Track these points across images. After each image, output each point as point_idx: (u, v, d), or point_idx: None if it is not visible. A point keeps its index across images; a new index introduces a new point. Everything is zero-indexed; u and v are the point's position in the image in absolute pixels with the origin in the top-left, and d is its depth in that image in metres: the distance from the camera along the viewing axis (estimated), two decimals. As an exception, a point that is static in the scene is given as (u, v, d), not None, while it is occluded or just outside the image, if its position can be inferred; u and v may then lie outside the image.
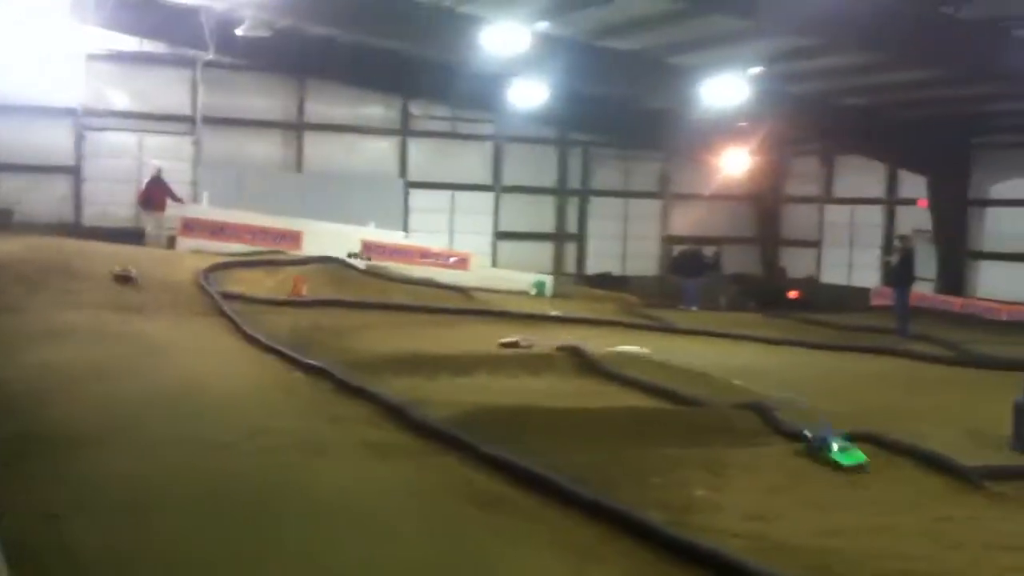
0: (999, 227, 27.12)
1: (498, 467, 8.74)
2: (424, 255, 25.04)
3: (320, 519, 7.44)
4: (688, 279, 28.03)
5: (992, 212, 27.29)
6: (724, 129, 28.38)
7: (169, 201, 24.25)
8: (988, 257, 27.36)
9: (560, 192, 31.65)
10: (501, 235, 30.71)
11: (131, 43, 26.66)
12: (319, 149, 28.69)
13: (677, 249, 30.36)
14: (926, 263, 26.28)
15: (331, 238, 23.71)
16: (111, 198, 26.35)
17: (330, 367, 12.39)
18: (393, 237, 25.75)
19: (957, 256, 27.51)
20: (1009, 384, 13.00)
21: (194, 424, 9.84)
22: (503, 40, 20.54)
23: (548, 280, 26.62)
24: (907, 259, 22.71)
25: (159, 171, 24.42)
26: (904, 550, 7.47)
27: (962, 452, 10.53)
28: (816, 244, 32.29)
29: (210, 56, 25.75)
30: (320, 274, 20.70)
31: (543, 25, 21.53)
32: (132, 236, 23.93)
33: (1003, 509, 8.84)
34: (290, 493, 7.96)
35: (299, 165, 28.56)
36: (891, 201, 29.98)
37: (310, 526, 7.25)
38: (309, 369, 12.51)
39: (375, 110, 29.51)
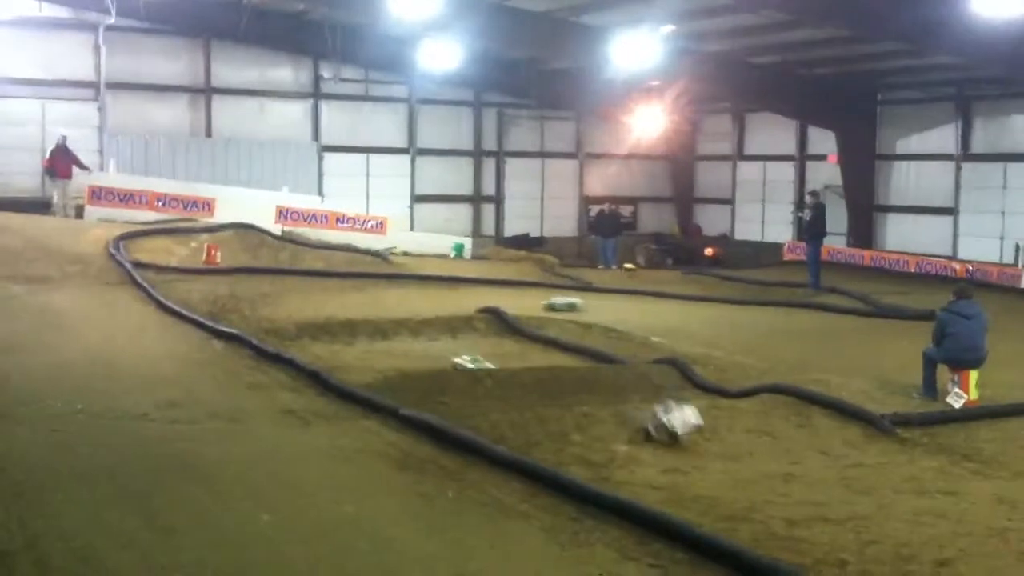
0: (905, 181, 27.75)
1: (419, 429, 8.76)
2: (341, 220, 24.78)
3: (238, 486, 7.36)
4: (606, 239, 28.24)
5: (899, 166, 27.90)
6: (637, 88, 28.51)
7: (76, 169, 23.62)
8: (895, 210, 28.00)
9: (476, 154, 31.56)
10: (418, 198, 30.54)
11: (31, 7, 25.80)
12: (228, 114, 28.13)
13: (595, 209, 30.52)
14: (836, 218, 26.82)
15: (244, 204, 23.32)
16: (15, 167, 25.53)
17: (246, 335, 12.24)
18: (308, 202, 25.43)
19: (866, 210, 28.10)
20: (917, 333, 13.42)
21: (104, 397, 9.62)
22: (413, 1, 20.29)
23: (467, 242, 26.58)
24: (818, 214, 23.11)
25: (64, 139, 23.74)
26: (816, 496, 7.67)
27: (872, 401, 10.86)
28: (730, 201, 32.72)
29: (112, 19, 25.03)
30: (234, 241, 20.37)
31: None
32: (38, 206, 23.25)
33: (912, 454, 9.14)
34: (205, 462, 7.86)
35: (208, 130, 27.97)
36: (802, 157, 30.46)
37: (227, 493, 7.17)
38: (225, 337, 12.33)
39: (285, 73, 29.02)
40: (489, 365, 11.85)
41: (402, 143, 30.42)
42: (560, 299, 17.30)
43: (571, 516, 6.91)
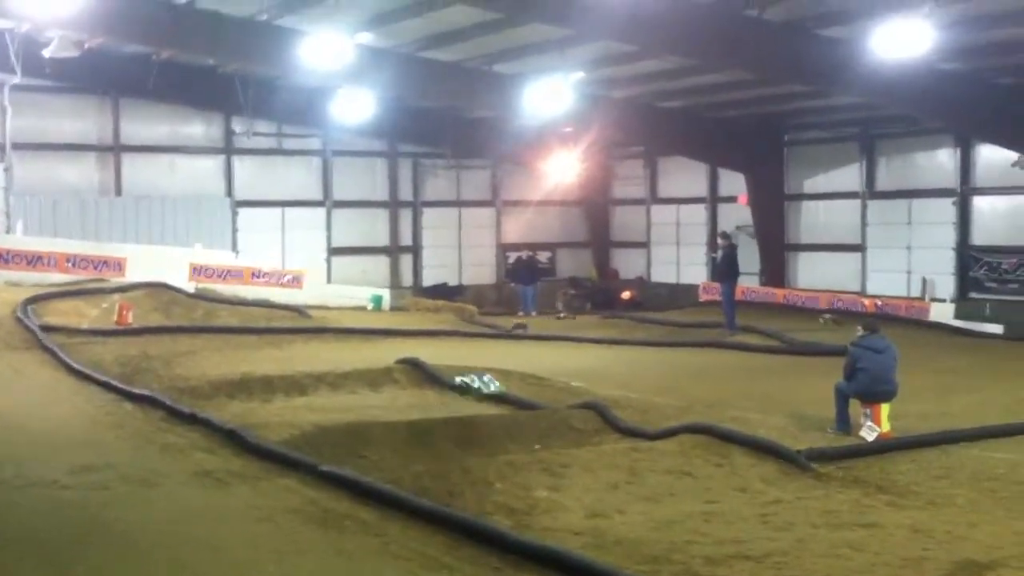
0: (815, 220, 28.39)
1: (339, 485, 8.65)
2: (256, 275, 24.53)
3: (157, 550, 7.19)
4: (525, 285, 28.34)
5: (807, 205, 28.55)
6: (551, 135, 28.83)
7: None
8: (806, 249, 28.61)
9: (392, 205, 31.53)
10: (335, 251, 30.36)
11: (-70, 69, 25.25)
12: (139, 171, 27.71)
13: (513, 256, 30.67)
14: (749, 257, 27.30)
15: (157, 262, 22.97)
16: (-83, 233, 24.84)
17: (159, 395, 12.01)
18: (222, 258, 25.14)
19: (777, 249, 28.66)
20: (829, 369, 13.65)
21: (13, 464, 9.34)
22: (324, 53, 20.31)
23: (385, 294, 26.48)
24: (731, 255, 23.50)
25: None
26: (736, 534, 7.74)
27: (788, 437, 11.02)
28: (645, 244, 33.13)
29: (17, 79, 24.59)
30: (147, 300, 20.06)
31: (365, 37, 21.42)
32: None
33: (828, 488, 9.27)
34: (119, 528, 7.66)
35: (118, 188, 27.54)
36: (713, 199, 31.00)
37: (146, 558, 7.01)
38: (137, 399, 12.09)
39: (196, 128, 28.75)
40: (495, 385, 12.32)
41: (317, 196, 30.27)
42: (467, 377, 13.64)
43: (494, 566, 6.88)
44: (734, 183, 29.19)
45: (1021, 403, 13.89)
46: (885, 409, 11.48)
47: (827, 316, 22.66)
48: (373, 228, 31.23)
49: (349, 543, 7.39)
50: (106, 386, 12.89)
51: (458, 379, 11.26)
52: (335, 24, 19.84)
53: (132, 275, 22.39)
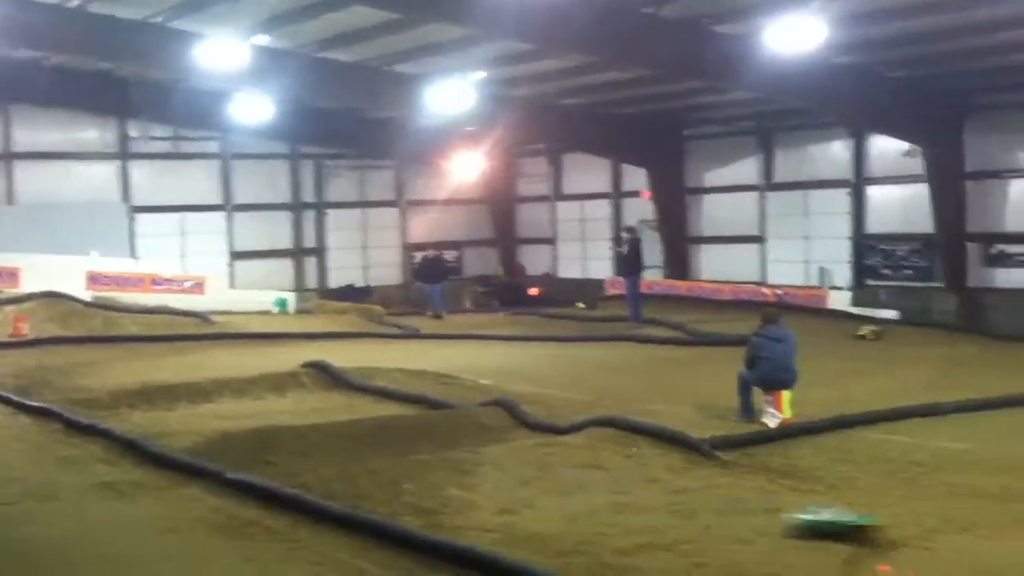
0: (715, 212, 28.85)
1: (245, 492, 8.53)
2: (156, 282, 24.05)
3: (59, 566, 7.02)
4: (432, 284, 28.29)
5: (708, 199, 28.98)
6: (454, 134, 28.79)
7: None
8: (708, 241, 29.06)
9: (295, 207, 31.16)
10: (237, 255, 29.88)
11: None
12: (32, 179, 26.88)
13: (419, 255, 30.55)
14: (653, 251, 27.64)
15: (52, 272, 22.36)
16: None
17: (57, 407, 11.70)
18: (121, 265, 24.58)
19: (680, 242, 29.05)
20: (733, 358, 13.89)
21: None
22: (220, 55, 19.98)
23: (290, 297, 26.17)
24: (635, 249, 23.79)
25: None
26: (645, 524, 7.83)
27: (694, 426, 11.19)
28: (551, 241, 33.30)
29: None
30: (42, 310, 19.55)
31: (263, 38, 21.13)
32: None
33: (734, 475, 9.45)
34: (21, 543, 7.46)
35: (10, 197, 26.73)
36: (617, 195, 31.30)
37: (47, 574, 6.82)
38: (34, 412, 11.75)
39: (90, 134, 28.01)
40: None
41: (218, 199, 29.75)
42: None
43: (406, 567, 6.86)
44: (637, 178, 29.50)
45: (915, 387, 14.37)
46: (786, 396, 11.74)
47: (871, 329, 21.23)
48: (276, 231, 30.80)
49: (257, 550, 7.29)
50: (1, 399, 12.50)
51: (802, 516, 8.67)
52: (231, 26, 19.54)
53: (27, 285, 21.77)
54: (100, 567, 7.04)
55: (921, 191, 22.79)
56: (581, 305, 23.74)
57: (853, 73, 20.60)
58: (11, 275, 22.40)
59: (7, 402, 12.38)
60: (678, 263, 28.74)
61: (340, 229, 31.73)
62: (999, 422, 11.86)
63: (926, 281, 23.56)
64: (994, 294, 22.39)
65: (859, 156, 25.11)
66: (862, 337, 20.06)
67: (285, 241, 30.95)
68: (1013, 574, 6.51)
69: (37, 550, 7.33)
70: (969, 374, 15.44)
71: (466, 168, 30.43)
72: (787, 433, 11.02)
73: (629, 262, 23.55)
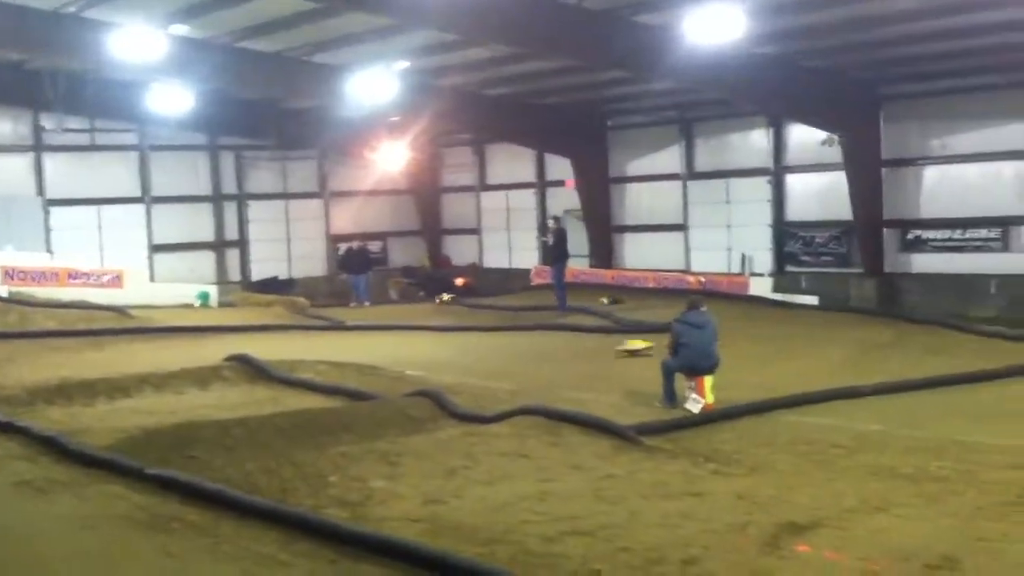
0: (639, 201, 29.09)
1: (167, 487, 8.41)
2: (73, 276, 23.49)
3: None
4: (357, 275, 28.12)
5: (632, 188, 29.21)
6: (377, 125, 28.62)
7: None
8: (632, 230, 29.29)
9: (216, 199, 30.72)
10: (157, 248, 29.35)
11: None
12: (-61, 173, 26.23)
13: (344, 247, 30.33)
14: (579, 240, 27.79)
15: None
16: None
17: (-29, 406, 11.41)
18: (36, 260, 23.99)
19: (605, 231, 29.25)
20: (657, 346, 14.06)
21: None
22: (136, 45, 19.58)
23: (212, 290, 25.80)
24: (560, 238, 23.90)
25: None
26: (571, 511, 7.88)
27: (620, 413, 11.31)
28: (477, 231, 33.31)
29: None
30: (-46, 307, 19.01)
31: (181, 28, 20.77)
32: None
33: (657, 461, 9.55)
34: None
35: (-81, 191, 26.00)
36: (542, 184, 31.39)
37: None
38: (-54, 410, 11.44)
39: (2, 126, 27.31)
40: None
41: (136, 192, 29.22)
42: None
43: (330, 559, 6.83)
44: (562, 168, 29.62)
45: (834, 370, 14.67)
46: (708, 381, 11.90)
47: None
48: (197, 223, 30.32)
49: (179, 546, 7.19)
50: (-89, 399, 12.16)
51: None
52: (147, 16, 19.19)
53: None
54: (19, 566, 6.88)
55: (839, 179, 23.21)
56: (605, 300, 23.50)
57: (771, 63, 20.90)
58: (-79, 271, 21.75)
59: (-82, 401, 12.02)
60: (603, 252, 28.93)
61: (263, 221, 31.37)
62: (914, 404, 12.15)
63: (845, 267, 24.03)
64: (910, 279, 22.93)
65: (778, 145, 25.49)
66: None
67: (206, 233, 30.51)
68: (927, 552, 6.67)
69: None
70: (885, 357, 15.80)
71: (390, 159, 30.29)
72: (710, 418, 11.19)
73: (554, 251, 23.66)
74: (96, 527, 7.72)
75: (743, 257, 25.90)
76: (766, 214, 25.66)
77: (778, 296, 23.52)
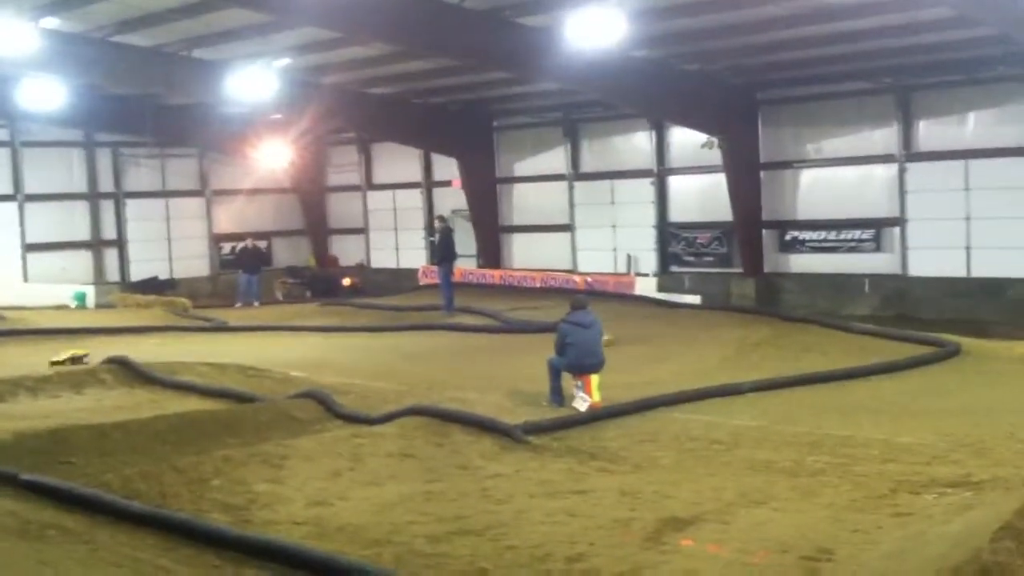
0: (526, 202, 29.28)
1: (41, 493, 8.13)
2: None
3: None
4: (251, 275, 27.66)
5: (519, 188, 29.40)
6: (259, 122, 28.18)
7: None
8: (519, 230, 29.48)
9: (92, 197, 29.83)
10: (31, 247, 28.41)
11: None
12: None
13: (238, 246, 29.76)
14: (466, 240, 27.83)
15: None
16: None
17: None
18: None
19: (492, 231, 29.36)
20: (544, 345, 14.14)
21: None
22: (5, 38, 18.88)
23: (89, 291, 25.07)
24: (446, 238, 23.90)
25: None
26: (458, 511, 7.89)
27: (506, 412, 11.34)
28: (363, 230, 33.07)
29: None
30: None
31: (51, 21, 20.11)
32: None
33: (543, 460, 9.61)
34: None
35: None
36: (428, 184, 31.36)
37: None
38: None
39: None
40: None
41: (7, 190, 28.20)
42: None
43: (213, 564, 6.71)
44: (448, 167, 29.64)
45: (716, 367, 15.00)
46: (595, 380, 12.03)
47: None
48: (73, 222, 29.43)
49: (54, 553, 6.95)
50: None
51: None
52: (17, 8, 18.52)
53: None
54: None
55: (720, 181, 23.75)
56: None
57: (650, 66, 21.28)
58: None
59: None
60: (490, 252, 29.05)
61: (142, 219, 30.61)
62: (791, 400, 12.47)
63: (726, 267, 24.62)
64: (788, 278, 23.62)
65: (661, 147, 25.96)
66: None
67: (83, 232, 29.64)
68: (804, 544, 6.85)
69: None
70: (764, 355, 16.14)
71: (273, 157, 29.88)
72: (595, 416, 11.30)
73: (441, 251, 23.66)
74: (-36, 536, 7.42)
75: (628, 257, 26.29)
76: (650, 215, 26.10)
77: (662, 296, 23.92)
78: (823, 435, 10.34)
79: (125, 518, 7.48)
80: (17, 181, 28.29)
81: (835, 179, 23.17)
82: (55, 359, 14.73)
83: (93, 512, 7.69)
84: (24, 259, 27.99)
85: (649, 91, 22.04)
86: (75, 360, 14.74)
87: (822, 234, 23.31)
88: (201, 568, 6.63)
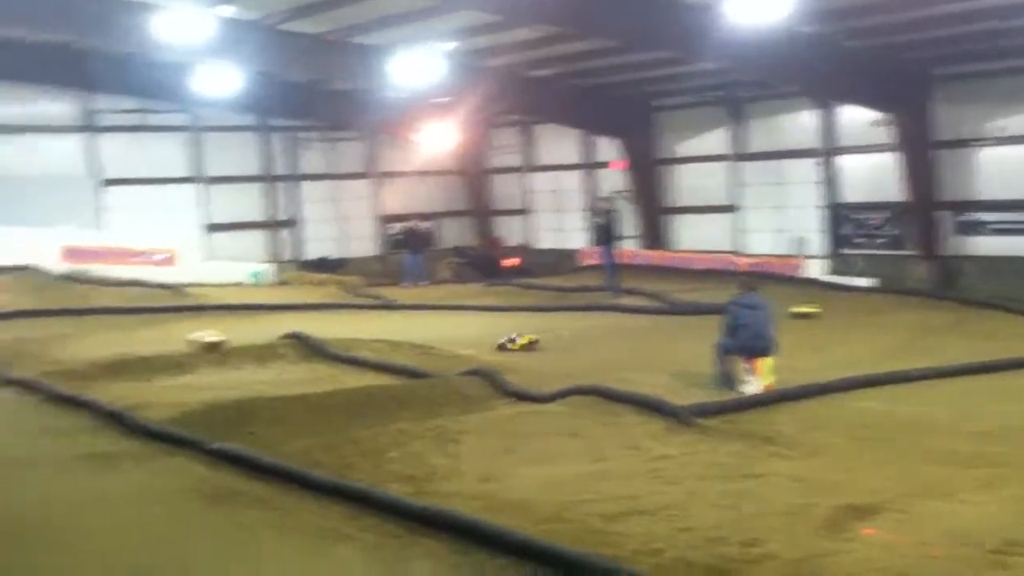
0: (687, 183, 28.95)
1: (229, 461, 8.56)
2: (129, 255, 23.87)
3: (41, 537, 7.01)
4: (413, 255, 28.24)
5: (681, 169, 29.07)
6: (424, 106, 28.65)
7: None
8: (681, 211, 29.16)
9: (268, 179, 30.99)
10: (212, 227, 29.72)
11: None
12: (-2, 153, 26.68)
13: (400, 226, 30.49)
14: (628, 221, 27.70)
15: (23, 245, 22.13)
16: None
17: (37, 380, 11.65)
18: (93, 239, 24.37)
19: (654, 213, 29.13)
20: (708, 327, 14.01)
21: None
22: (184, 27, 19.73)
23: (266, 269, 26.06)
24: (610, 219, 23.86)
25: None
26: (628, 491, 7.92)
27: (673, 394, 11.28)
28: (526, 212, 33.30)
29: None
30: (16, 284, 19.40)
31: (228, 10, 20.90)
32: None
33: (714, 442, 9.53)
34: (3, 513, 7.46)
35: (-23, 171, 26.47)
36: (589, 165, 31.34)
37: (30, 545, 6.83)
38: (15, 384, 11.70)
39: (56, 107, 27.58)
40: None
41: (189, 172, 29.55)
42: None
43: (394, 533, 6.92)
44: (609, 149, 29.54)
45: (890, 353, 14.55)
46: (765, 363, 11.86)
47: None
48: (250, 203, 30.61)
49: (245, 518, 7.33)
50: (-21, 373, 12.44)
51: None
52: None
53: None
54: (86, 538, 7.04)
55: (891, 160, 22.95)
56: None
57: (816, 43, 20.61)
58: (-18, 249, 22.16)
59: (-15, 375, 12.30)
60: (652, 233, 28.84)
61: (314, 201, 31.61)
62: (972, 388, 12.03)
63: (899, 249, 23.76)
64: (967, 261, 22.63)
65: (828, 126, 25.23)
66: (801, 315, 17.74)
67: (259, 213, 30.80)
68: (984, 536, 6.64)
69: (21, 521, 7.33)
70: (942, 341, 15.62)
71: (437, 140, 30.32)
72: (765, 400, 11.14)
73: (604, 232, 23.63)
74: (162, 499, 7.88)
75: (796, 239, 25.71)
76: (818, 195, 25.44)
77: (833, 279, 23.32)
78: (1006, 425, 9.97)
79: (309, 487, 7.79)
80: (198, 164, 29.61)
81: (1018, 158, 22.05)
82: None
83: (279, 480, 8.04)
84: (206, 238, 29.27)
85: (815, 69, 21.38)
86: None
87: (1004, 215, 22.23)
88: (383, 536, 6.87)
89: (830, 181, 25.29)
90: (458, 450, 9.23)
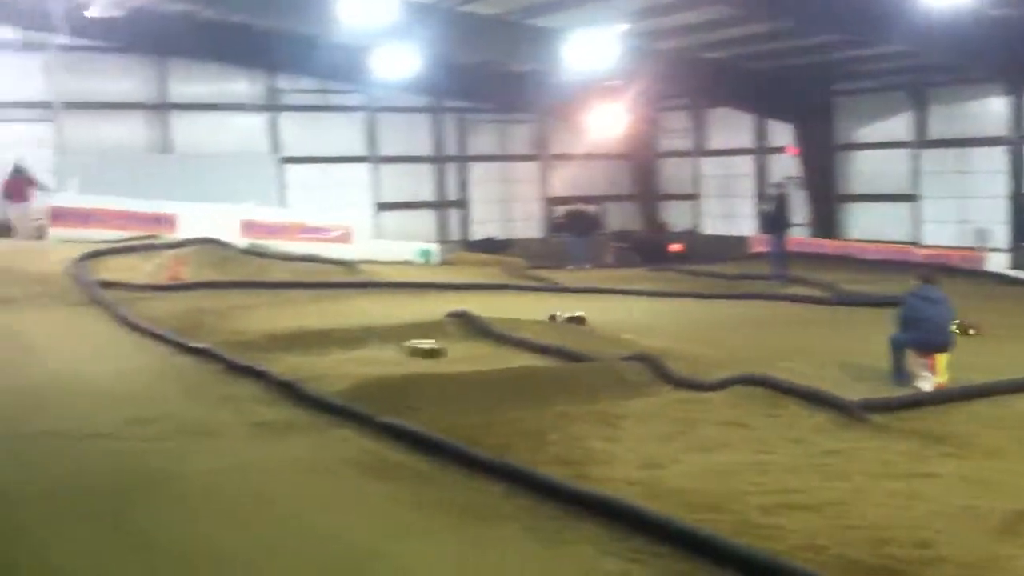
0: (865, 170, 28.02)
1: (395, 436, 8.75)
2: (305, 231, 24.64)
3: (210, 502, 7.32)
4: (577, 238, 28.28)
5: (858, 155, 28.17)
6: (595, 88, 28.59)
7: (35, 191, 23.41)
8: (856, 199, 28.27)
9: (438, 160, 31.55)
10: (382, 206, 30.48)
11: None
12: (187, 129, 27.93)
13: (563, 209, 30.59)
14: (799, 209, 27.03)
15: (207, 219, 23.11)
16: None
17: (216, 349, 12.16)
18: (272, 214, 25.29)
19: (827, 200, 28.34)
20: (879, 320, 13.54)
21: (71, 416, 9.54)
22: (367, 10, 20.23)
23: (433, 248, 26.52)
24: (780, 206, 23.32)
25: (19, 163, 23.50)
26: (791, 484, 7.72)
27: (841, 387, 10.93)
28: (694, 197, 32.90)
29: (63, 39, 24.78)
30: (199, 256, 20.19)
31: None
32: (-2, 230, 23.07)
33: (884, 439, 9.20)
34: (176, 478, 7.80)
35: (166, 146, 27.83)
36: (761, 150, 30.70)
37: (200, 510, 7.13)
38: (194, 352, 12.25)
39: (241, 86, 28.87)
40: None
41: (363, 151, 30.36)
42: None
43: (551, 515, 6.93)
44: (782, 133, 28.85)
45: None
46: (942, 359, 11.37)
47: None
48: (419, 183, 31.29)
49: (406, 492, 7.48)
50: (163, 340, 13.06)
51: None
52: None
53: (184, 232, 22.58)
54: (254, 505, 7.29)
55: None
56: None
57: (1009, 26, 19.61)
58: (168, 222, 23.25)
59: (169, 343, 12.90)
60: (824, 221, 28.07)
61: (482, 182, 32.06)
62: None
63: (1089, 244, 22.48)
64: None
65: (1019, 112, 23.98)
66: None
67: (428, 193, 31.43)
68: None
69: (194, 486, 7.66)
70: None
71: (607, 122, 30.19)
72: (941, 397, 10.68)
73: (774, 219, 23.11)
74: (329, 470, 8.11)
75: (978, 231, 24.57)
76: (1003, 185, 24.24)
77: (1016, 273, 22.23)
78: None
79: (470, 464, 7.89)
80: (372, 144, 30.37)
81: None
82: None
83: (441, 456, 8.17)
84: (376, 217, 30.02)
85: (1005, 53, 20.40)
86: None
87: None
88: (540, 517, 6.89)
89: (1017, 171, 24.06)
90: (618, 435, 9.17)
